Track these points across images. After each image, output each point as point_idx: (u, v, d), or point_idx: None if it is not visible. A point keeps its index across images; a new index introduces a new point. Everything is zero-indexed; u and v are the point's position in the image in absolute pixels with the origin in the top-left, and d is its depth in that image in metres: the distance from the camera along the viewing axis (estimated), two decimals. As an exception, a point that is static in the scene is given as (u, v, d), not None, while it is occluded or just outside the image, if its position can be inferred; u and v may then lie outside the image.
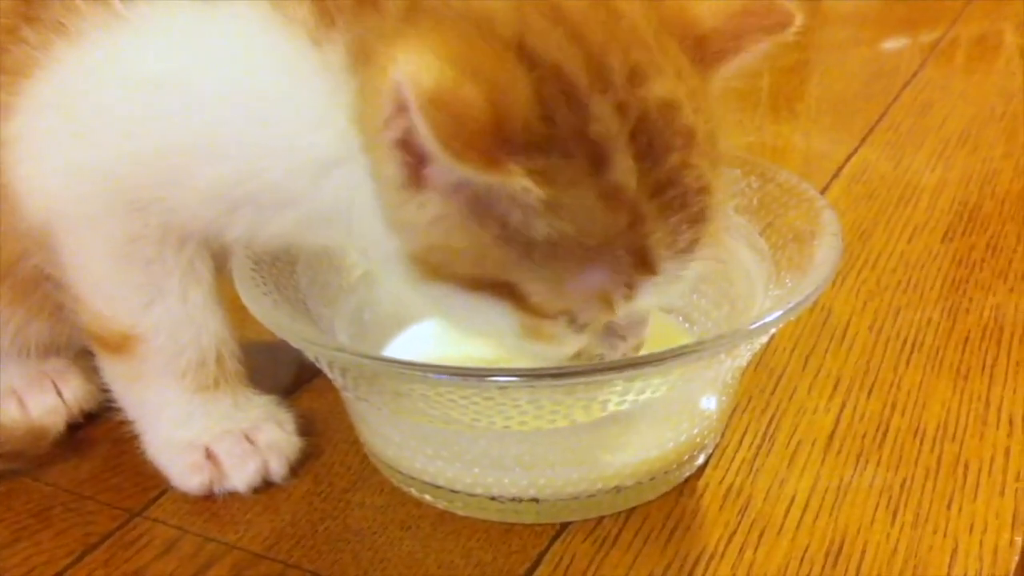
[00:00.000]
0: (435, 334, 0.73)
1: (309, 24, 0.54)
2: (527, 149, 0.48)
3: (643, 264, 0.53)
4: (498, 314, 0.54)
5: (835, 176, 1.02)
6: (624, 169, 0.51)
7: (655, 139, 0.52)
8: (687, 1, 0.56)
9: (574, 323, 0.55)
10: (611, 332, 0.58)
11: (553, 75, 0.50)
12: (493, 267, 0.53)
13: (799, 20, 0.57)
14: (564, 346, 0.57)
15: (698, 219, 0.54)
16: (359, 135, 0.53)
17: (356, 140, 0.53)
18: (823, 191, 0.67)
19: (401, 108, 0.48)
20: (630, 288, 0.54)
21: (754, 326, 0.56)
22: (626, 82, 0.51)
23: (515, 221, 0.51)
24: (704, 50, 0.55)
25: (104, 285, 0.63)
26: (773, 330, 0.58)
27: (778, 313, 0.57)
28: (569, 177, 0.50)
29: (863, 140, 1.09)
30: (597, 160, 0.50)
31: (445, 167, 0.49)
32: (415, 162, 0.51)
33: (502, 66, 0.48)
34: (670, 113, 0.52)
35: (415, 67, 0.46)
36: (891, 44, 1.40)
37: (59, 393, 0.72)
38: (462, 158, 0.46)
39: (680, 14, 0.55)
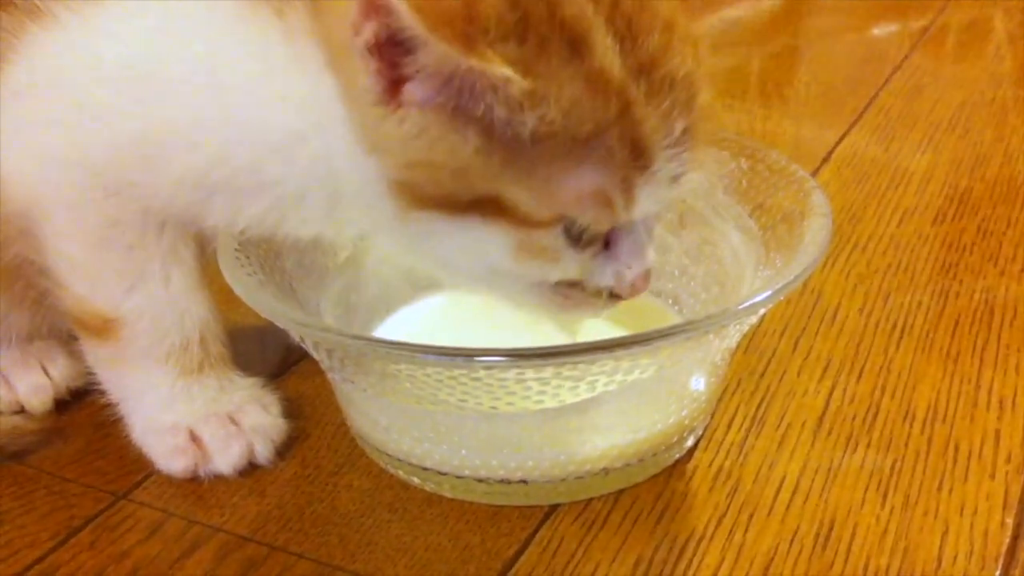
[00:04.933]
0: (423, 318, 0.73)
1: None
2: (503, 39, 0.47)
3: (638, 154, 0.52)
4: (488, 237, 0.53)
5: (825, 160, 1.01)
6: (605, 50, 0.50)
7: (633, 21, 0.51)
8: None
9: (571, 232, 0.54)
10: (614, 259, 0.56)
11: None
12: (477, 179, 0.51)
13: None
14: (563, 264, 0.55)
15: (688, 107, 0.53)
16: (326, 57, 0.52)
17: (326, 103, 0.53)
18: (813, 175, 0.66)
19: (369, 5, 0.47)
20: (627, 184, 0.52)
21: (743, 306, 0.56)
22: None
23: (499, 121, 0.49)
24: None
25: (85, 270, 0.62)
26: (762, 310, 0.58)
27: (767, 293, 0.56)
28: (550, 64, 0.49)
29: (853, 125, 1.09)
30: (575, 43, 0.49)
31: (423, 59, 0.48)
32: (388, 70, 0.50)
33: None
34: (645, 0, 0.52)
35: None
36: (880, 30, 1.40)
37: (45, 371, 0.71)
38: (440, 34, 0.46)
39: None
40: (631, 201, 0.53)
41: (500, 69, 0.47)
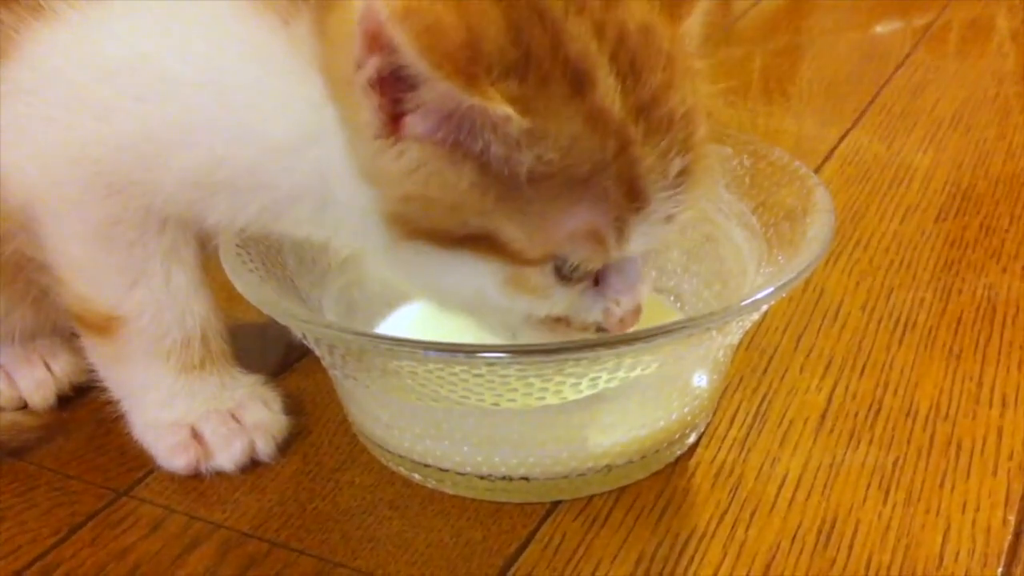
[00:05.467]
0: (424, 315, 0.73)
1: (279, 3, 0.54)
2: (505, 76, 0.47)
3: (634, 195, 0.51)
4: (478, 270, 0.53)
5: (827, 158, 1.01)
6: (607, 89, 0.49)
7: (637, 58, 0.50)
8: None
9: (561, 270, 0.54)
10: (602, 295, 0.56)
11: (525, 1, 0.49)
12: (471, 215, 0.51)
13: None
14: (551, 300, 0.54)
15: (686, 146, 0.52)
16: (328, 86, 0.52)
17: (326, 116, 0.53)
18: (815, 173, 0.66)
19: (373, 41, 0.47)
20: (621, 224, 0.52)
21: (745, 303, 0.56)
22: (602, 4, 0.50)
23: (496, 157, 0.49)
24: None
25: (86, 267, 0.62)
26: (764, 307, 0.57)
27: (769, 290, 0.56)
28: (550, 102, 0.49)
29: (855, 122, 1.09)
30: (578, 81, 0.49)
31: (425, 96, 0.48)
32: (390, 105, 0.49)
33: None
34: (649, 35, 0.51)
35: None
36: (883, 28, 1.39)
37: (47, 367, 0.72)
38: (444, 71, 0.45)
39: None
40: (624, 240, 0.53)
41: (500, 108, 0.47)
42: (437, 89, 0.47)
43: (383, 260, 0.57)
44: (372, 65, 0.48)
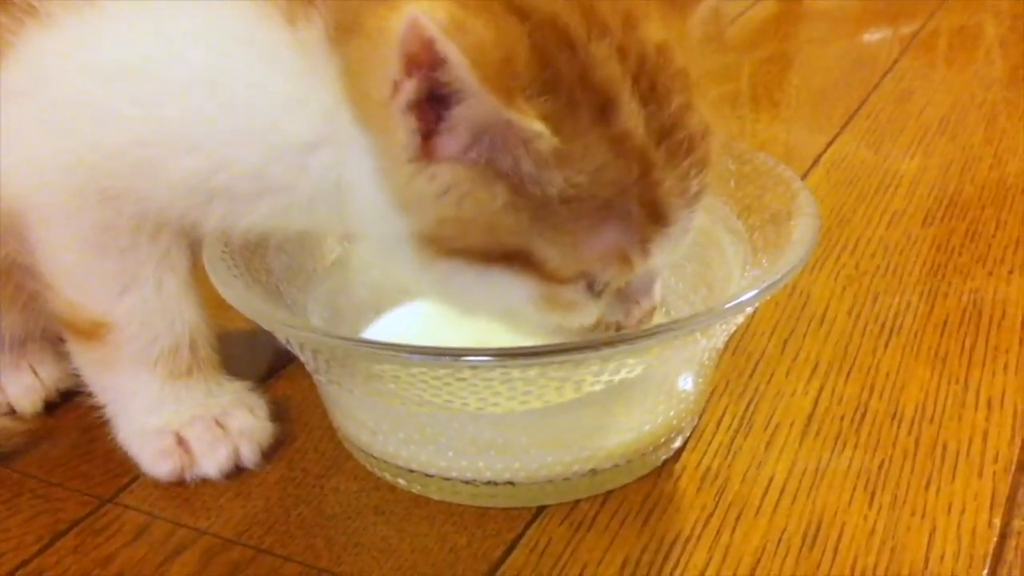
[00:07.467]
0: (412, 322, 0.73)
1: (284, 5, 0.54)
2: (536, 94, 0.48)
3: (657, 216, 0.52)
4: (512, 287, 0.54)
5: (815, 164, 1.02)
6: (631, 113, 0.50)
7: (657, 82, 0.51)
8: None
9: (592, 287, 0.55)
10: (624, 297, 0.57)
11: (548, 24, 0.49)
12: (506, 235, 0.52)
13: None
14: (582, 313, 0.56)
15: (704, 164, 0.53)
16: (353, 109, 0.52)
17: (338, 121, 0.53)
18: (803, 178, 0.66)
19: (413, 61, 0.47)
20: (645, 243, 0.53)
21: (729, 305, 0.56)
22: (622, 25, 0.51)
23: (527, 177, 0.50)
24: None
25: (76, 273, 0.62)
26: (749, 309, 0.58)
27: (753, 292, 0.56)
28: (578, 124, 0.49)
29: (843, 128, 1.09)
30: (604, 105, 0.50)
31: (462, 113, 0.48)
32: (427, 126, 0.49)
33: (496, 17, 0.48)
34: (666, 56, 0.52)
35: (427, 5, 0.45)
36: (870, 36, 1.40)
37: (36, 373, 0.72)
38: (489, 84, 0.45)
39: None
40: (648, 256, 0.54)
41: (534, 124, 0.47)
42: (477, 105, 0.47)
43: (406, 270, 0.56)
44: (411, 86, 0.48)
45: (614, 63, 0.50)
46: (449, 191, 0.51)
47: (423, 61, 0.47)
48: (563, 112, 0.49)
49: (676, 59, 0.52)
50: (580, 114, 0.49)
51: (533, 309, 0.55)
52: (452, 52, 0.45)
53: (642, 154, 0.51)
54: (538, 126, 0.47)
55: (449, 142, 0.50)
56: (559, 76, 0.49)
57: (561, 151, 0.49)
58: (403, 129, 0.50)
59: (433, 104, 0.49)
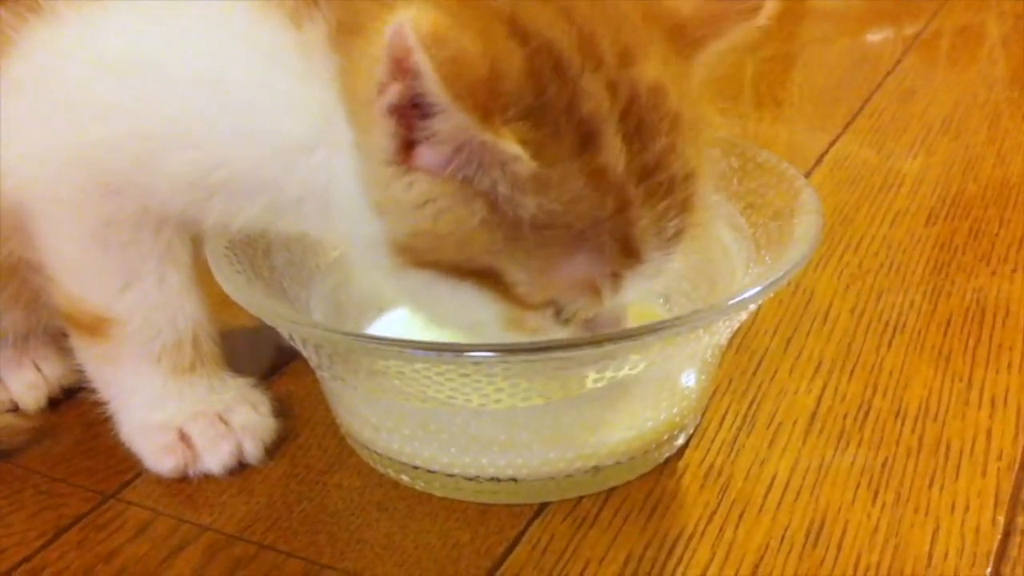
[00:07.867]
0: (415, 320, 0.73)
1: (289, 5, 0.54)
2: (520, 118, 0.47)
3: (629, 252, 0.53)
4: (481, 304, 0.54)
5: (818, 163, 1.01)
6: (612, 150, 0.50)
7: (644, 121, 0.51)
8: None
9: (559, 315, 0.55)
10: (592, 328, 0.57)
11: (545, 50, 0.49)
12: (479, 252, 0.52)
13: (772, 5, 0.56)
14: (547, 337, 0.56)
15: (684, 208, 0.53)
16: (346, 107, 0.52)
17: (335, 123, 0.53)
18: (806, 178, 0.66)
19: (398, 66, 0.47)
20: (616, 277, 0.53)
21: (732, 302, 0.56)
22: (617, 62, 0.51)
23: (503, 199, 0.50)
24: (683, 37, 0.55)
25: (79, 268, 0.62)
26: (752, 306, 0.57)
27: (756, 289, 0.56)
28: (558, 152, 0.49)
29: (846, 127, 1.09)
30: (586, 138, 0.50)
31: (438, 126, 0.48)
32: (406, 134, 0.50)
33: (495, 35, 0.48)
34: (658, 96, 0.52)
35: (415, 13, 0.45)
36: (873, 36, 1.40)
37: (39, 369, 0.72)
38: (462, 102, 0.45)
39: (659, 1, 0.55)
40: (618, 290, 0.54)
41: (511, 146, 0.47)
42: (452, 120, 0.47)
43: (380, 277, 0.57)
44: (395, 90, 0.48)
45: (603, 97, 0.50)
46: (427, 204, 0.51)
47: (406, 69, 0.47)
48: (545, 139, 0.49)
49: (668, 100, 0.52)
50: (562, 143, 0.49)
51: (498, 329, 0.55)
52: (424, 64, 0.45)
53: (619, 190, 0.51)
54: (515, 149, 0.47)
55: (430, 153, 0.50)
56: (547, 103, 0.49)
57: (538, 176, 0.49)
58: (383, 131, 0.50)
59: (413, 110, 0.49)
